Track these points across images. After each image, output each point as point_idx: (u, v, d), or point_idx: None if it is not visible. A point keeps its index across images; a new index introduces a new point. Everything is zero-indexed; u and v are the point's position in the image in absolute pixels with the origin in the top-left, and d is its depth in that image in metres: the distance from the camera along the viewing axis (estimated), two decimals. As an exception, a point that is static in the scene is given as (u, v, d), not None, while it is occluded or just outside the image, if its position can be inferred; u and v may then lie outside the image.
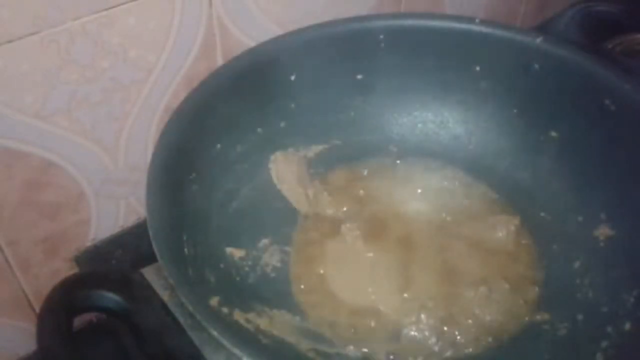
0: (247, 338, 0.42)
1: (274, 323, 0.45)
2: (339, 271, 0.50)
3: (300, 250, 0.51)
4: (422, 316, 0.46)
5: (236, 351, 0.34)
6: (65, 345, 0.38)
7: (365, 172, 0.56)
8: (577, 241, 0.49)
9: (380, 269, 0.49)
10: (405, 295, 0.48)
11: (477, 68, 0.54)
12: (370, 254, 0.50)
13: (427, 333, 0.46)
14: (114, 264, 0.52)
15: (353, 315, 0.47)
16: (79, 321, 0.41)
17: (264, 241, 0.51)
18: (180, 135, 0.45)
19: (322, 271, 0.50)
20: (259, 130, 0.53)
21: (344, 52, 0.54)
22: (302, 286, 0.49)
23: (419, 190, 0.55)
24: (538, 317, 0.46)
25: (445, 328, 0.46)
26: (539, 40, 0.51)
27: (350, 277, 0.49)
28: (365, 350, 0.45)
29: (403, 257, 0.50)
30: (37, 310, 0.47)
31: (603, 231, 0.48)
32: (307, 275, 0.49)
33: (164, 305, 0.42)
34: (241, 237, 0.50)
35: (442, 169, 0.56)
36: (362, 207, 0.54)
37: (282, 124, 0.54)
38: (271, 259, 0.50)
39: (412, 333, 0.46)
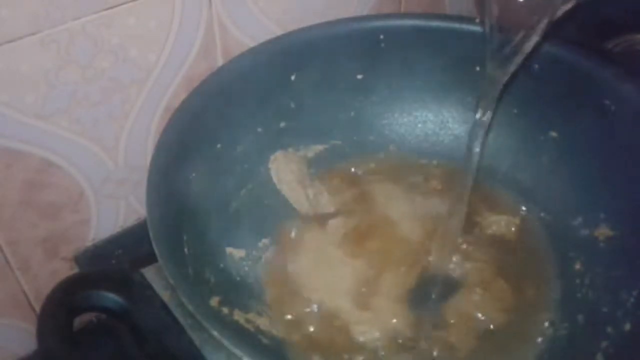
0: (247, 338, 0.42)
1: (274, 323, 0.45)
2: (312, 269, 0.49)
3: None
4: None
5: (236, 351, 0.34)
6: (65, 345, 0.38)
7: (365, 172, 0.56)
8: (577, 241, 0.49)
9: (357, 274, 0.49)
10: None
11: (477, 68, 0.54)
12: (352, 258, 0.50)
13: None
14: (114, 264, 0.52)
15: (315, 318, 0.47)
16: (79, 321, 0.41)
17: (264, 241, 0.51)
18: (180, 135, 0.45)
19: (290, 268, 0.50)
20: (259, 130, 0.53)
21: (344, 52, 0.54)
22: (271, 283, 0.49)
23: (419, 190, 0.55)
24: (538, 317, 0.46)
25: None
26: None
27: (323, 277, 0.49)
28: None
29: (396, 261, 0.50)
30: (37, 310, 0.47)
31: (603, 231, 0.48)
32: (279, 273, 0.50)
33: (164, 305, 0.42)
34: (241, 237, 0.50)
35: (442, 169, 0.56)
36: (362, 207, 0.54)
37: (282, 124, 0.54)
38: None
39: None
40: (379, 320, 0.46)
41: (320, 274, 0.49)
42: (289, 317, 0.46)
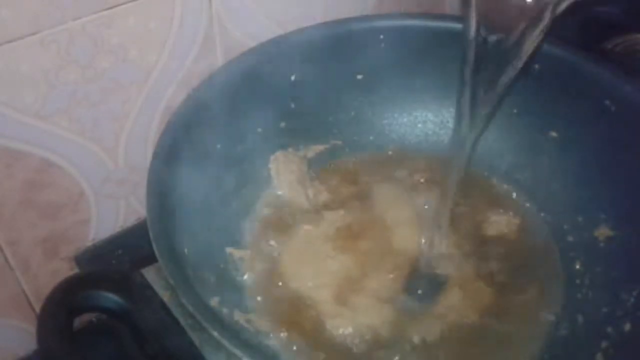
0: (247, 338, 0.42)
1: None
2: (297, 258, 0.50)
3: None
4: None
5: (236, 352, 0.34)
6: (65, 345, 0.38)
7: (366, 173, 0.56)
8: (577, 241, 0.50)
9: (342, 270, 0.49)
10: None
11: (477, 68, 0.54)
12: (341, 254, 0.50)
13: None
14: (114, 264, 0.52)
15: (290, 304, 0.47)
16: (79, 321, 0.41)
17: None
18: (180, 135, 0.45)
19: (277, 254, 0.50)
20: (259, 130, 0.53)
21: (344, 52, 0.54)
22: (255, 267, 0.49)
23: (419, 190, 0.55)
24: (538, 316, 0.46)
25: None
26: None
27: (307, 267, 0.49)
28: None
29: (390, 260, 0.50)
30: (37, 310, 0.47)
31: (603, 231, 0.48)
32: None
33: (164, 306, 0.42)
34: (241, 237, 0.50)
35: (441, 170, 0.56)
36: (361, 207, 0.54)
37: (282, 124, 0.54)
38: (271, 259, 0.50)
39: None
40: (355, 317, 0.46)
41: (305, 263, 0.49)
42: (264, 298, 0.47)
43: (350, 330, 0.45)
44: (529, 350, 0.45)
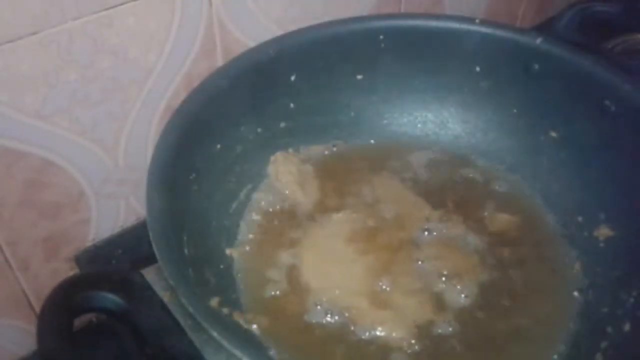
0: (247, 339, 0.42)
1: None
2: (317, 264, 0.49)
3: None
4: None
5: (236, 352, 0.34)
6: (65, 345, 0.38)
7: (366, 172, 0.56)
8: (577, 241, 0.50)
9: (360, 269, 0.49)
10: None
11: (477, 68, 0.54)
12: (355, 254, 0.50)
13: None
14: (114, 264, 0.52)
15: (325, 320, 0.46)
16: (79, 321, 0.41)
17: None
18: (180, 135, 0.45)
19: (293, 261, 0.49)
20: (259, 130, 0.53)
21: (344, 52, 0.54)
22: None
23: (419, 190, 0.55)
24: (537, 316, 0.46)
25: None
26: (539, 40, 0.51)
27: (329, 273, 0.48)
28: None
29: (391, 258, 0.50)
30: (37, 310, 0.47)
31: (603, 231, 0.48)
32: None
33: (164, 306, 0.42)
34: (241, 237, 0.50)
35: (442, 169, 0.56)
36: (361, 207, 0.54)
37: (282, 124, 0.54)
38: (271, 259, 0.50)
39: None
40: (400, 318, 0.45)
41: (327, 271, 0.49)
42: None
43: (399, 333, 0.44)
44: (528, 350, 0.45)
